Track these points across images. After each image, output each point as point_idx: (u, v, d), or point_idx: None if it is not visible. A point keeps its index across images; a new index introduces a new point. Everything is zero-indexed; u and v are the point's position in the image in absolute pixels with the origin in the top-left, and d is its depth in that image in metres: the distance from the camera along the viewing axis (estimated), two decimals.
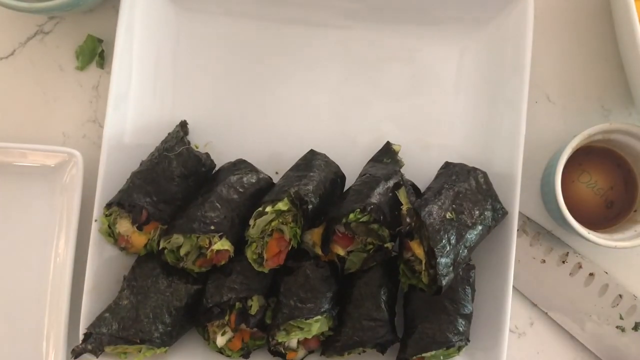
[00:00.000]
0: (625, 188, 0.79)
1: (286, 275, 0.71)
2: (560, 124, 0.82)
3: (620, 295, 0.79)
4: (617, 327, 0.78)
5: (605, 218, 0.79)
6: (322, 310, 0.69)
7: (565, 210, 0.72)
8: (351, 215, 0.68)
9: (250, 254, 0.70)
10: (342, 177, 0.76)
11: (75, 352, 0.68)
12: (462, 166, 0.74)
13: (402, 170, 0.76)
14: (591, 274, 0.80)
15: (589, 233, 0.73)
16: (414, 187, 0.76)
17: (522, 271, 0.79)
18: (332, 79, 0.81)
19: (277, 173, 0.78)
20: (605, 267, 0.80)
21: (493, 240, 0.74)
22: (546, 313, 0.79)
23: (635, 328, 0.79)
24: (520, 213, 0.79)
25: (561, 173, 0.73)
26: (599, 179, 0.79)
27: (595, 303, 0.79)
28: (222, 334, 0.71)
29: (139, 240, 0.71)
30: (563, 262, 0.80)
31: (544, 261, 0.80)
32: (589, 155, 0.79)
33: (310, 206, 0.68)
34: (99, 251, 0.72)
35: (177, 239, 0.69)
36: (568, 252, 0.80)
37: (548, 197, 0.77)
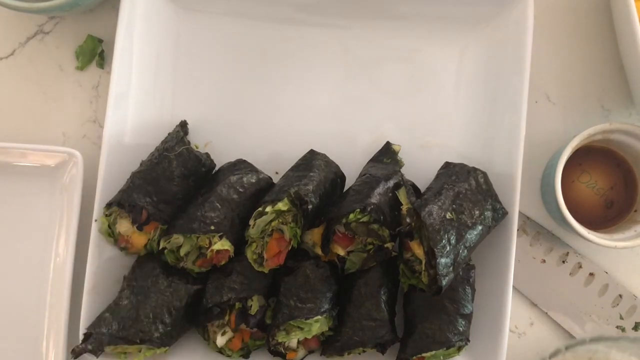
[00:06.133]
0: (625, 188, 0.79)
1: (286, 275, 0.71)
2: (560, 124, 0.82)
3: (621, 295, 0.79)
4: (617, 327, 0.78)
5: (605, 218, 0.79)
6: (322, 310, 0.69)
7: (565, 210, 0.72)
8: (351, 215, 0.68)
9: (250, 254, 0.70)
10: (342, 177, 0.76)
11: (75, 352, 0.68)
12: (462, 166, 0.74)
13: (402, 170, 0.76)
14: (591, 274, 0.80)
15: (588, 233, 0.73)
16: (414, 187, 0.76)
17: (522, 271, 0.79)
18: (332, 79, 0.81)
19: (277, 173, 0.78)
20: (605, 267, 0.80)
21: (493, 240, 0.74)
22: (546, 313, 0.79)
23: (635, 328, 0.79)
24: (520, 213, 0.79)
25: (561, 173, 0.73)
26: (598, 179, 0.79)
27: (595, 303, 0.79)
28: (222, 334, 0.71)
29: (139, 240, 0.71)
30: (563, 262, 0.80)
31: (544, 261, 0.80)
32: (589, 155, 0.79)
33: (310, 206, 0.68)
34: (99, 251, 0.72)
35: (177, 239, 0.69)
36: (568, 252, 0.80)
37: (548, 197, 0.77)
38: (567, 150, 0.73)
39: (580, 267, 0.80)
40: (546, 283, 0.80)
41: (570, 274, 0.80)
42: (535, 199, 0.81)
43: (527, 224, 0.80)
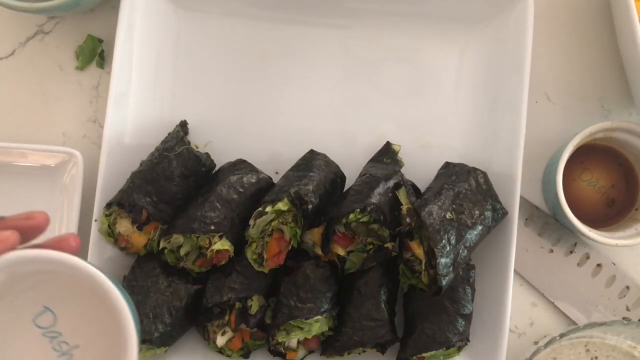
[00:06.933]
0: (626, 186, 0.79)
1: (286, 275, 0.71)
2: (560, 124, 0.82)
3: (628, 287, 0.79)
4: (623, 318, 0.78)
5: (606, 216, 0.79)
6: (322, 310, 0.69)
7: (567, 208, 0.72)
8: (351, 215, 0.68)
9: (250, 254, 0.70)
10: (342, 177, 0.76)
11: None
12: (462, 166, 0.74)
13: (402, 170, 0.76)
14: (599, 265, 0.80)
15: (590, 231, 0.73)
16: (414, 187, 0.76)
17: (530, 260, 0.80)
18: (332, 78, 0.81)
19: (277, 173, 0.78)
20: (612, 259, 0.80)
21: (493, 240, 0.74)
22: (553, 302, 0.80)
23: None
24: (528, 202, 0.80)
25: (562, 171, 0.73)
26: (600, 177, 0.79)
27: (602, 294, 0.80)
28: (222, 334, 0.71)
29: (139, 240, 0.71)
30: (571, 252, 0.80)
31: (551, 251, 0.80)
32: (590, 154, 0.79)
33: (310, 206, 0.68)
34: (99, 251, 0.72)
35: (177, 239, 0.69)
36: (576, 243, 0.80)
37: (549, 194, 0.78)
38: (568, 148, 0.73)
39: (588, 258, 0.80)
40: (553, 272, 0.80)
41: (578, 264, 0.80)
42: (537, 198, 0.81)
43: (535, 214, 0.80)
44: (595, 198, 0.79)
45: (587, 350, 0.75)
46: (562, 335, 0.73)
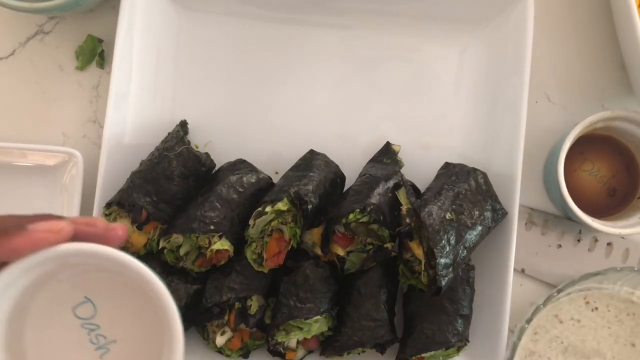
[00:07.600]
0: (627, 176, 0.79)
1: (286, 275, 0.71)
2: (560, 124, 0.82)
3: None
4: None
5: (608, 206, 0.79)
6: (321, 310, 0.69)
7: (569, 198, 0.72)
8: (351, 216, 0.68)
9: (250, 253, 0.70)
10: (342, 177, 0.76)
11: None
12: (462, 166, 0.74)
13: (402, 170, 0.76)
14: (609, 244, 0.80)
15: (593, 221, 0.73)
16: (414, 187, 0.76)
17: (543, 261, 0.80)
18: (332, 79, 0.81)
19: (277, 173, 0.78)
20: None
21: (493, 241, 0.74)
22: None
23: None
24: (523, 207, 0.79)
25: (563, 162, 0.73)
26: (601, 167, 0.79)
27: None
28: (222, 334, 0.71)
29: (139, 240, 0.71)
30: (578, 240, 0.80)
31: (560, 246, 0.80)
32: (590, 144, 0.79)
33: (310, 206, 0.68)
34: None
35: (177, 238, 0.69)
36: (580, 230, 0.80)
37: (551, 186, 0.77)
38: (569, 138, 0.73)
39: (597, 240, 0.80)
40: (569, 266, 0.80)
41: (588, 250, 0.80)
42: (538, 196, 0.81)
43: (533, 215, 0.80)
44: (597, 188, 0.79)
45: (587, 303, 0.75)
46: (559, 291, 0.72)
